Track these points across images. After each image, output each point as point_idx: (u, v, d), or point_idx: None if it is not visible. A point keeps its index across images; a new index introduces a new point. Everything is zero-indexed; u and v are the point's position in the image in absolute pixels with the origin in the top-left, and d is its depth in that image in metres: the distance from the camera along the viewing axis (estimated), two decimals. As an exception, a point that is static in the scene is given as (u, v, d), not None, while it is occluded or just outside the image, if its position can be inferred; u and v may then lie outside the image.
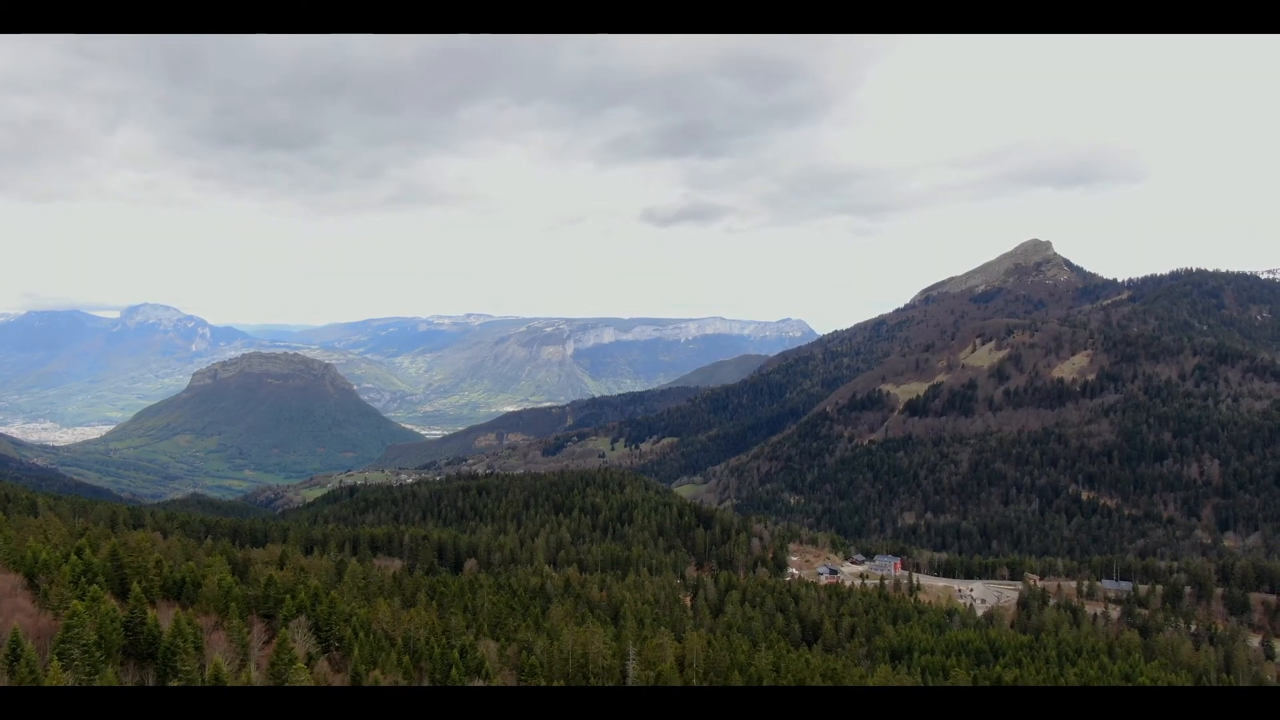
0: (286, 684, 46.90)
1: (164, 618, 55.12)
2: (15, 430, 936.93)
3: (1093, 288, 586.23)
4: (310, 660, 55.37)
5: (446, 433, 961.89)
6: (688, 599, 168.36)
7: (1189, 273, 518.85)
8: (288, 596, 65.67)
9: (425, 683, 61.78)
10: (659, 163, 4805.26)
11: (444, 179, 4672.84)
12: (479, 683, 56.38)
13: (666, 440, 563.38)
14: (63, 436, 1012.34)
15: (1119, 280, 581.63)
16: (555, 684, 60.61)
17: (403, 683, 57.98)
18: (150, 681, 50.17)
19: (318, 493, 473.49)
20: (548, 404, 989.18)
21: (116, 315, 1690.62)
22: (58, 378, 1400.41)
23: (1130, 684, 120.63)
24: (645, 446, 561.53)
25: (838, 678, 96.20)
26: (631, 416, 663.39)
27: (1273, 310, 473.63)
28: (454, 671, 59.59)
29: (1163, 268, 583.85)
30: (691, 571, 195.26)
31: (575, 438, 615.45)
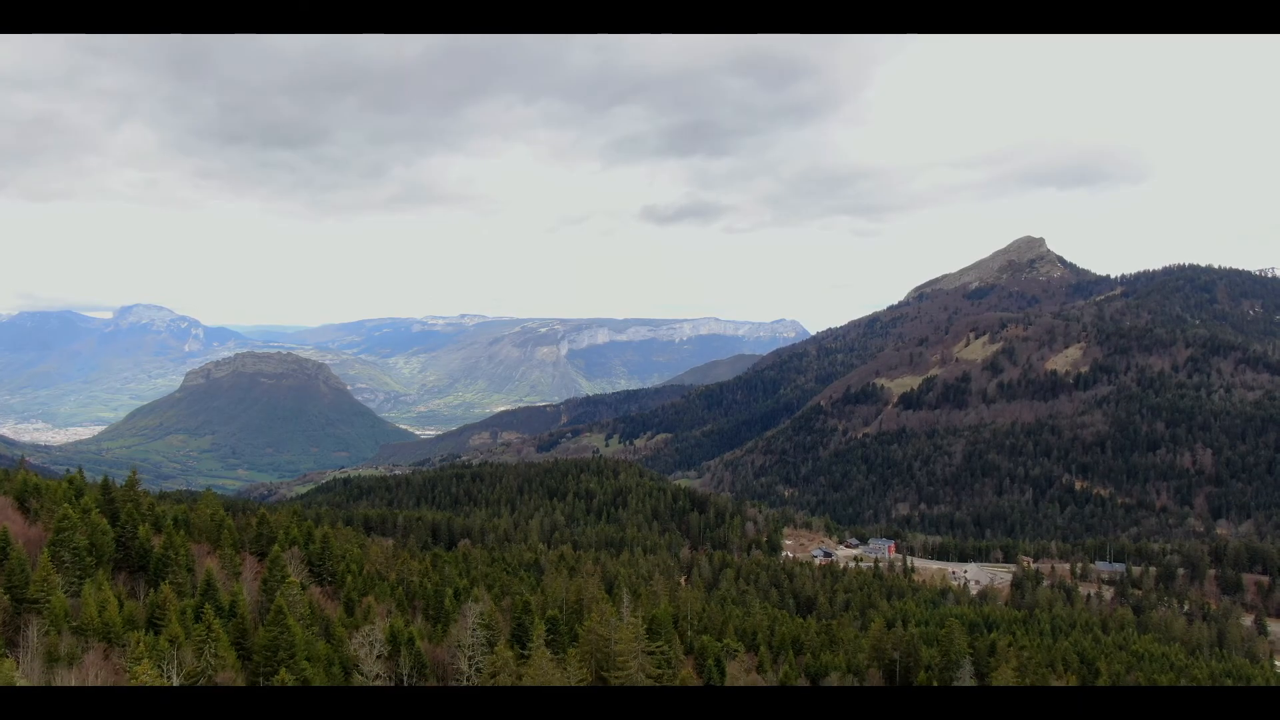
0: (277, 601, 46.78)
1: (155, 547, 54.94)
2: (7, 430, 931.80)
3: (1086, 284, 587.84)
4: (303, 588, 55.25)
5: (440, 432, 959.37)
6: (683, 578, 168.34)
7: (1181, 268, 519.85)
8: (281, 532, 65.50)
9: (419, 619, 61.72)
10: (664, 162, 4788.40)
11: (447, 179, 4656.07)
12: (474, 609, 56.19)
13: (661, 436, 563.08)
14: (55, 437, 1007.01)
15: (1112, 276, 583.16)
16: (550, 615, 60.51)
17: (396, 613, 57.93)
18: (142, 592, 50.02)
19: (311, 489, 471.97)
20: (542, 404, 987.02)
21: (109, 316, 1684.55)
22: (50, 378, 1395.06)
23: (1131, 682, 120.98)
24: (639, 442, 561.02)
25: (833, 635, 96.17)
26: (626, 414, 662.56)
27: (1265, 305, 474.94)
28: (447, 604, 59.45)
29: (1156, 264, 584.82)
30: (686, 553, 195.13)
31: (569, 434, 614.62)
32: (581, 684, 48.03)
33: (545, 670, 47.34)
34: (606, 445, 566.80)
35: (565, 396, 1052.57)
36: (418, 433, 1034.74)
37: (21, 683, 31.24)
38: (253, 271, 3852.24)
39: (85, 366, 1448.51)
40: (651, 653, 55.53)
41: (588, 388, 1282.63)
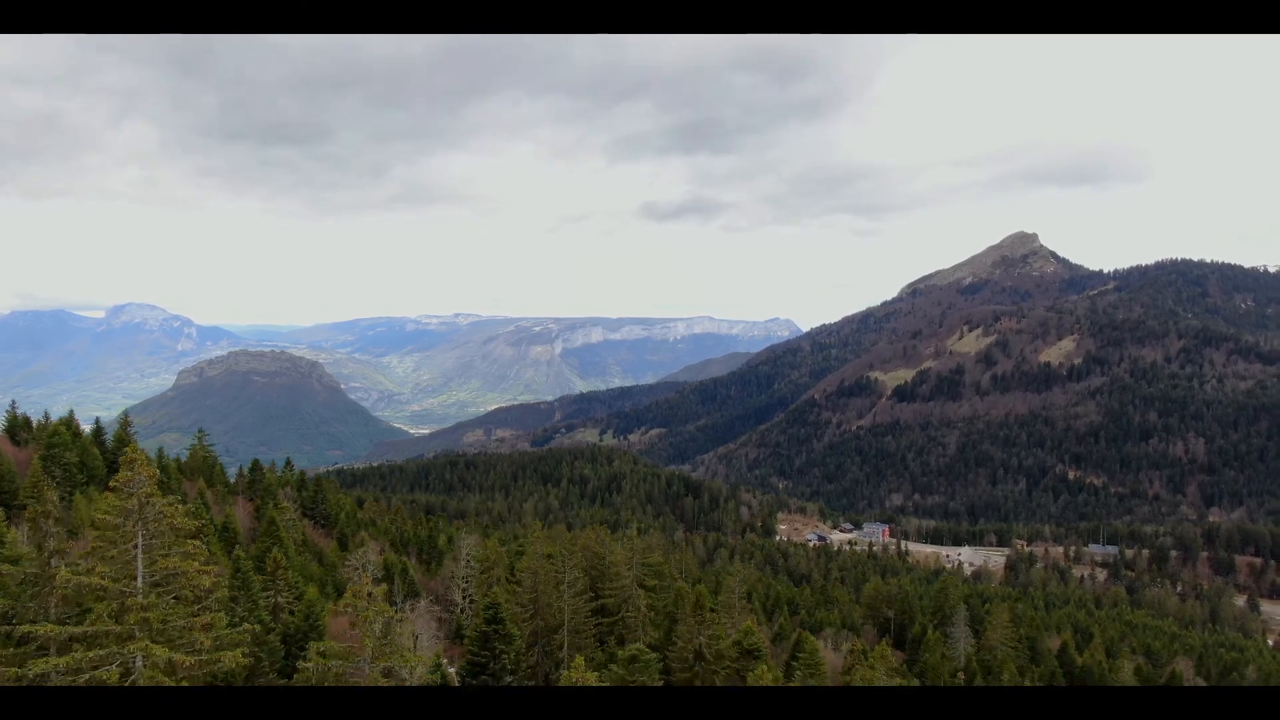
0: (269, 514, 46.56)
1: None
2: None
3: (1079, 279, 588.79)
4: (295, 524, 55.08)
5: (434, 430, 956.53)
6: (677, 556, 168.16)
7: (1174, 262, 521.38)
8: (273, 476, 65.28)
9: (412, 558, 61.49)
10: (668, 159, 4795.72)
11: (448, 178, 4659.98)
12: (468, 540, 56.00)
13: (655, 431, 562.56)
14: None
15: (1105, 271, 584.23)
16: (546, 552, 60.24)
17: (389, 550, 57.70)
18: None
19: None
20: (536, 401, 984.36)
21: (101, 315, 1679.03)
22: (43, 378, 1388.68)
23: (1125, 647, 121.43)
24: (634, 437, 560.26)
25: (828, 595, 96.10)
26: (620, 410, 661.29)
27: (1256, 299, 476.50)
28: (440, 544, 59.34)
29: (1149, 258, 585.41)
30: (681, 535, 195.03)
31: (564, 430, 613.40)
32: (575, 583, 47.85)
33: (538, 559, 47.14)
34: (601, 440, 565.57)
35: (559, 395, 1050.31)
36: (412, 431, 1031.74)
37: (11, 538, 31.05)
38: (248, 271, 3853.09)
39: (78, 366, 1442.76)
40: (647, 564, 55.44)
41: (582, 386, 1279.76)
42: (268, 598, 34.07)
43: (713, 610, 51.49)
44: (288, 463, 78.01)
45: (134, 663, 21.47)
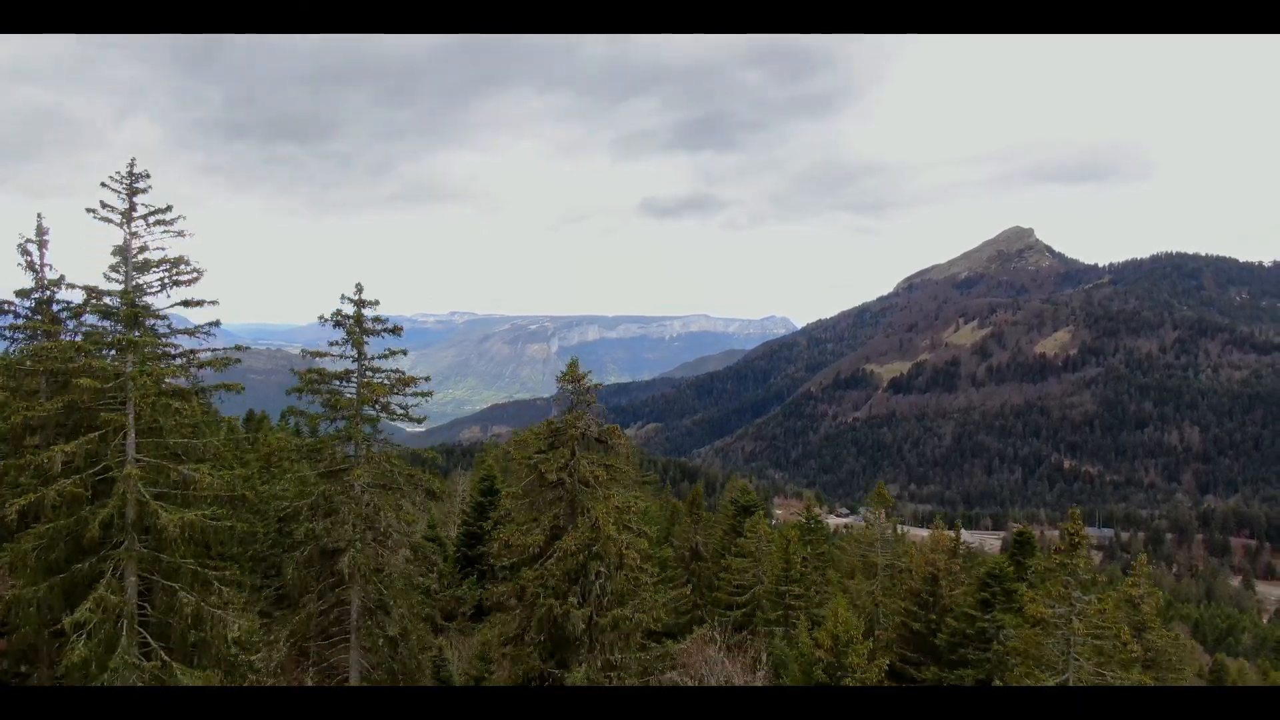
0: (267, 439, 46.42)
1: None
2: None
3: (1075, 273, 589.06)
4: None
5: (431, 428, 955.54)
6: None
7: (1169, 256, 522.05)
8: (266, 420, 65.37)
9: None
10: (673, 157, 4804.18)
11: (452, 176, 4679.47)
12: (465, 478, 55.93)
13: (651, 426, 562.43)
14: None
15: (1100, 265, 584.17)
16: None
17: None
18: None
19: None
20: (533, 399, 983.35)
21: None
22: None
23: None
24: (630, 432, 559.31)
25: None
26: (616, 406, 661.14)
27: (1251, 291, 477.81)
28: (435, 487, 59.38)
29: (1144, 253, 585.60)
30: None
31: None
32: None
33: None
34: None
35: (556, 392, 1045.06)
36: (407, 428, 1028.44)
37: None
38: (245, 268, 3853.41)
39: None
40: (646, 482, 55.38)
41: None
42: (265, 487, 34.45)
43: (709, 510, 51.75)
44: (282, 415, 77.65)
45: (125, 389, 21.83)
